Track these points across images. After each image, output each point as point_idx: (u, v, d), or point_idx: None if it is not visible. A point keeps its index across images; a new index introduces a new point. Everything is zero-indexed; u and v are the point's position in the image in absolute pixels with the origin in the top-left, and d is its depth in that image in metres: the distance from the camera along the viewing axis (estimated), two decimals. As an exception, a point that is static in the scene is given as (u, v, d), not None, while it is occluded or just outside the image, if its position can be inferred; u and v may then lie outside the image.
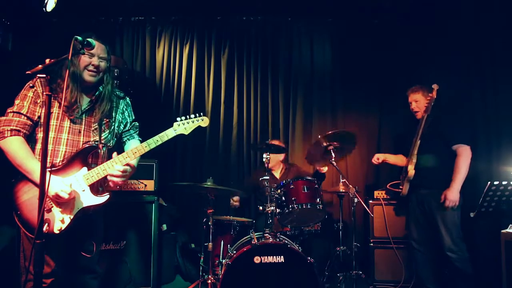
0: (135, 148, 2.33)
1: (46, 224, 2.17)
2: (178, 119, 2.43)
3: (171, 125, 2.41)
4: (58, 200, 2.20)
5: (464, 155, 3.29)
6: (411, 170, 3.46)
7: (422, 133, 3.45)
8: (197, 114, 2.47)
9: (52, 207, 2.23)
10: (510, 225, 2.83)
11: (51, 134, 2.24)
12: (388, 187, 4.02)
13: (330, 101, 4.84)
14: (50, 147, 2.20)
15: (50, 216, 2.21)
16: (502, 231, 2.86)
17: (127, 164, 2.33)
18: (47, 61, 1.86)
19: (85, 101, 2.39)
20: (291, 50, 4.90)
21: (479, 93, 3.97)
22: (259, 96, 4.85)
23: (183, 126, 2.42)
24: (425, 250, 3.52)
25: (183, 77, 4.85)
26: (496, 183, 2.75)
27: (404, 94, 3.96)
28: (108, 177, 2.30)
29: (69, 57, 1.93)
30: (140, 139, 2.64)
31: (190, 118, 2.45)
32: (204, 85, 4.86)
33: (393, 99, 4.69)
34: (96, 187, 2.34)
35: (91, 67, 2.32)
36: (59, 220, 2.21)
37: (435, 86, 3.42)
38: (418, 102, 3.59)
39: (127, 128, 2.58)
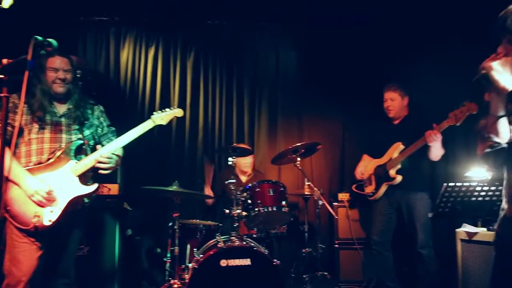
0: (118, 139, 2.54)
1: (37, 218, 2.25)
2: (155, 113, 2.68)
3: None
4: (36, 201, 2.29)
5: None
6: (397, 177, 3.45)
7: (403, 136, 3.47)
8: (171, 108, 2.76)
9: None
10: (464, 224, 2.97)
11: (33, 136, 2.41)
12: (354, 190, 3.93)
13: (295, 106, 4.90)
14: (34, 147, 2.41)
15: (40, 210, 2.29)
16: (457, 230, 3.00)
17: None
18: (5, 61, 1.80)
19: (61, 107, 2.57)
20: (257, 55, 4.93)
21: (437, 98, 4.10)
22: (224, 100, 4.85)
23: (159, 116, 2.67)
24: (383, 250, 3.60)
25: (149, 79, 4.78)
26: (451, 184, 2.88)
27: (367, 99, 4.04)
28: (97, 165, 2.45)
29: (28, 57, 1.87)
30: None
31: (165, 110, 2.72)
32: (169, 88, 4.80)
33: (356, 104, 4.80)
34: (85, 178, 2.46)
35: (58, 81, 2.49)
36: (49, 212, 2.31)
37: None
38: (394, 101, 3.59)
39: (104, 132, 2.71)
